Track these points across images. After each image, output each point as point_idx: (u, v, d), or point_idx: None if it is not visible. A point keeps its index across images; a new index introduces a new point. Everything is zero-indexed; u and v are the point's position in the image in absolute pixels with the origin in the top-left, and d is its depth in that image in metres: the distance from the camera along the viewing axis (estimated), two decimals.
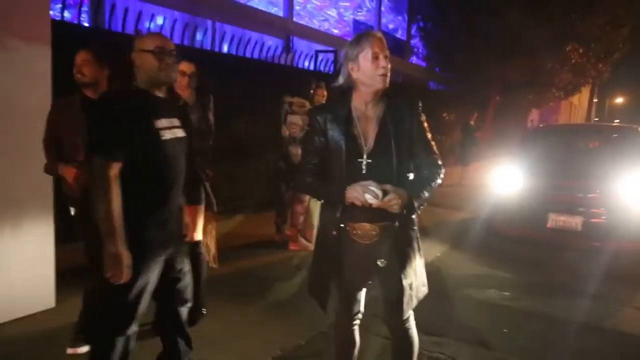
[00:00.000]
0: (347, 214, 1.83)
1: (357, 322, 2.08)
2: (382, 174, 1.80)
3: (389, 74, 1.83)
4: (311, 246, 4.87)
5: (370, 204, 1.73)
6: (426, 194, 1.86)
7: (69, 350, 2.57)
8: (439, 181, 1.90)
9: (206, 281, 3.05)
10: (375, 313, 2.13)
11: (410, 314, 1.98)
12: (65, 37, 3.23)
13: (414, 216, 1.90)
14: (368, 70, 1.81)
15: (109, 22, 4.99)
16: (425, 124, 1.92)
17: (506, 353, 2.88)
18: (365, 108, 1.89)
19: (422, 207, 1.85)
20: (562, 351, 2.97)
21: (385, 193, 1.73)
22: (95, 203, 1.76)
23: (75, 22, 4.74)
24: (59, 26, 3.51)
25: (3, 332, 2.80)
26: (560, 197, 4.72)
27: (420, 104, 1.92)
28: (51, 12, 4.46)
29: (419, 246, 1.96)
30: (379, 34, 1.87)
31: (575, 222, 4.57)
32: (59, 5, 4.53)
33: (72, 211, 2.55)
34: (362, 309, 2.06)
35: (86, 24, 6.25)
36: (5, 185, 2.79)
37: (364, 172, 1.82)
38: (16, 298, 2.86)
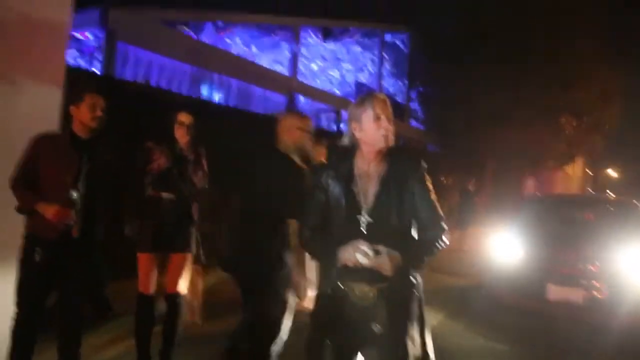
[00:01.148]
0: (345, 273, 1.79)
1: None
2: (382, 233, 1.78)
3: (390, 134, 1.86)
4: (311, 304, 4.69)
5: (361, 264, 1.72)
6: (424, 258, 1.83)
7: None
8: (442, 244, 1.86)
9: (181, 337, 2.89)
10: None
11: None
12: (77, 83, 3.29)
13: (416, 281, 1.85)
14: (370, 130, 1.85)
15: (119, 70, 5.12)
16: (429, 184, 1.90)
17: None
18: (367, 167, 1.89)
19: (418, 270, 1.81)
20: None
21: (377, 253, 1.71)
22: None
23: (89, 69, 4.87)
24: (72, 71, 3.59)
25: None
26: (562, 269, 4.65)
27: (424, 164, 1.92)
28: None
29: (421, 313, 1.88)
30: (383, 96, 1.91)
31: (576, 295, 4.47)
32: (74, 50, 4.67)
33: (37, 256, 2.35)
34: None
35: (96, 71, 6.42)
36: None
37: (363, 230, 1.81)
38: None
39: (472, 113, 12.62)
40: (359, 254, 1.71)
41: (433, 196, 1.88)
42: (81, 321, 2.53)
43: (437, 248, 1.84)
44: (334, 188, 1.88)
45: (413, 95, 16.92)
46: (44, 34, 2.93)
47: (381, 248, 1.73)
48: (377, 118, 1.84)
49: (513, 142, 12.87)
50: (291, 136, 2.60)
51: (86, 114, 2.44)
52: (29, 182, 2.42)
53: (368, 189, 1.85)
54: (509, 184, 15.21)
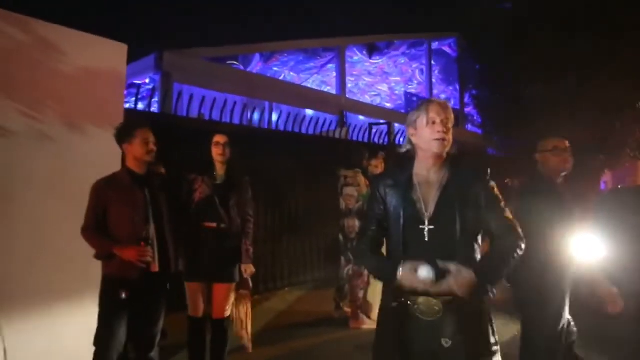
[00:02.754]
0: (407, 289, 1.67)
1: None
2: (445, 242, 1.68)
3: (447, 139, 1.76)
4: (373, 323, 4.56)
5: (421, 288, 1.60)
6: (501, 269, 1.68)
7: None
8: (520, 252, 1.69)
9: None
10: None
11: None
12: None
13: (492, 293, 1.70)
14: (424, 135, 1.77)
15: (175, 107, 5.37)
16: (497, 191, 1.77)
17: None
18: (427, 174, 1.80)
19: (494, 286, 1.67)
20: None
21: (441, 274, 1.58)
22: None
23: (145, 109, 5.15)
24: (130, 112, 3.80)
25: None
26: None
27: (488, 171, 1.79)
28: (128, 105, 4.94)
29: (492, 327, 1.73)
30: (439, 100, 1.83)
31: None
32: (134, 99, 4.97)
33: (124, 294, 2.38)
34: None
35: (154, 110, 6.80)
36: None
37: (426, 239, 1.71)
38: None
39: (532, 110, 11.94)
40: (421, 277, 1.59)
41: (502, 204, 1.76)
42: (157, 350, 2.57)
43: (514, 258, 1.68)
44: (392, 198, 1.81)
45: (467, 99, 16.41)
46: (103, 83, 3.13)
47: (452, 267, 1.59)
48: (432, 122, 1.76)
49: (583, 134, 11.97)
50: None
51: (140, 150, 2.50)
52: (101, 228, 2.46)
53: (429, 197, 1.76)
54: (583, 179, 14.13)
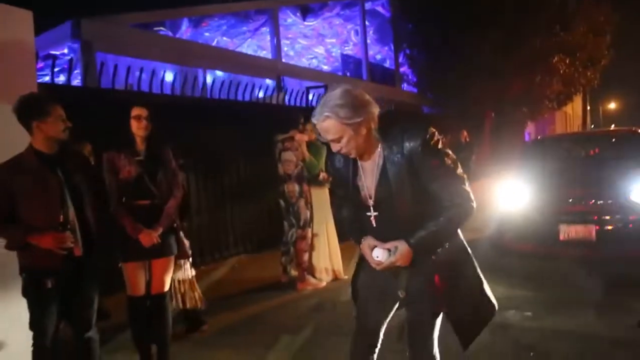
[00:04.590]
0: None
1: (374, 356, 1.97)
2: (390, 225, 1.73)
3: (349, 151, 1.70)
4: (320, 283, 4.73)
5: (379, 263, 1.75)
6: (443, 240, 1.71)
7: None
8: (466, 218, 1.69)
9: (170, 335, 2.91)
10: (394, 348, 2.02)
11: (436, 354, 1.86)
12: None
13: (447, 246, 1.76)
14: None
15: (99, 79, 5.06)
16: (438, 153, 1.65)
17: None
18: (362, 160, 1.78)
19: (433, 248, 1.72)
20: None
21: (390, 252, 1.71)
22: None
23: (66, 83, 4.80)
24: (46, 87, 3.54)
25: None
26: (571, 207, 4.60)
27: (426, 131, 1.65)
28: (47, 78, 4.57)
29: (463, 266, 1.80)
30: (319, 121, 1.65)
31: (588, 231, 4.43)
32: (51, 71, 4.59)
33: (49, 284, 2.27)
34: (378, 344, 1.97)
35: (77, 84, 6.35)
36: None
37: (374, 224, 1.79)
38: None
39: (463, 68, 12.40)
40: (373, 257, 1.75)
41: (445, 166, 1.65)
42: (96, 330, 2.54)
43: (466, 217, 1.69)
44: (341, 181, 1.87)
45: (402, 59, 16.63)
46: (9, 55, 2.86)
47: (389, 245, 1.72)
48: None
49: (508, 90, 12.69)
50: None
51: (56, 127, 2.30)
52: (8, 217, 2.27)
53: (371, 182, 1.76)
54: (509, 133, 15.04)
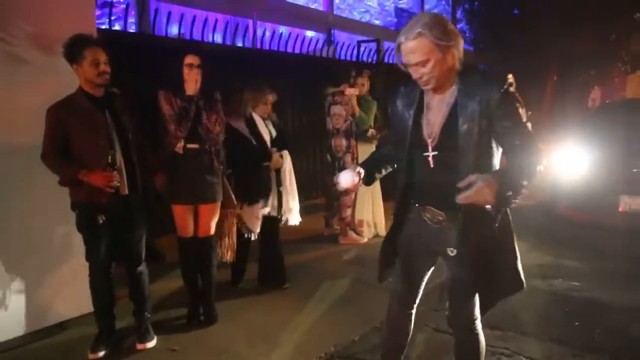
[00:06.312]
0: (418, 194, 1.77)
1: (412, 311, 1.97)
2: (450, 167, 1.62)
3: (427, 80, 1.62)
4: (362, 239, 4.76)
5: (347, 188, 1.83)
6: (523, 182, 1.51)
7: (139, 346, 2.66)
8: (540, 167, 1.57)
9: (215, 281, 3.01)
10: (435, 307, 2.00)
11: (476, 316, 1.82)
12: (112, 44, 3.31)
13: (501, 213, 1.66)
14: (410, 70, 1.66)
15: (152, 27, 5.11)
16: (515, 104, 1.60)
17: (581, 349, 2.63)
18: (436, 93, 1.70)
19: (518, 198, 1.51)
20: None
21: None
22: None
23: (122, 29, 4.89)
24: (104, 33, 3.61)
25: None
26: (635, 177, 4.31)
27: (507, 80, 1.63)
28: (104, 26, 4.67)
29: (509, 236, 1.71)
30: (408, 39, 1.60)
31: None
32: (113, 18, 4.68)
33: (101, 219, 2.43)
34: (417, 299, 1.96)
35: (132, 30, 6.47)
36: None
37: (431, 165, 1.69)
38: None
39: (527, 20, 11.50)
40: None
41: (521, 117, 1.60)
42: (146, 270, 2.71)
43: (535, 173, 1.55)
44: (400, 120, 1.78)
45: (459, 15, 15.71)
46: (70, 1, 2.91)
47: (472, 177, 1.48)
48: (406, 65, 1.63)
49: (576, 47, 11.68)
50: None
51: (90, 71, 2.34)
52: (62, 153, 2.39)
53: (436, 120, 1.68)
54: (575, 94, 14.03)
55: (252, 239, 3.42)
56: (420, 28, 1.57)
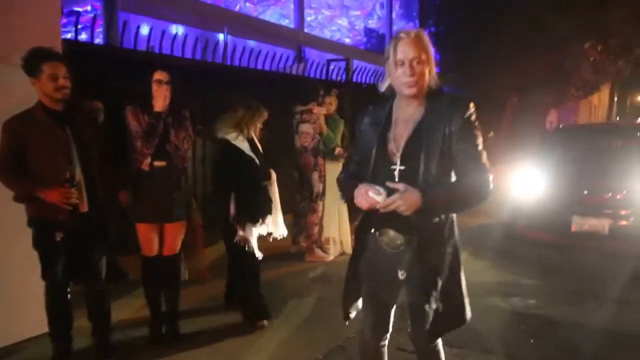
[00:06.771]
0: (377, 220, 1.77)
1: (385, 342, 1.98)
2: (415, 182, 1.65)
3: (415, 83, 1.66)
4: (328, 257, 4.79)
5: (374, 204, 1.65)
6: (457, 205, 1.67)
7: None
8: (484, 194, 1.66)
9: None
10: (397, 327, 2.05)
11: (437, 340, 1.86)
12: (78, 56, 3.25)
13: (453, 234, 1.75)
14: (395, 77, 1.70)
15: (121, 39, 5.05)
16: (475, 125, 1.69)
17: None
18: (404, 110, 1.75)
19: (439, 211, 1.66)
20: None
21: (392, 192, 1.61)
22: None
23: (88, 41, 4.80)
24: (70, 44, 3.55)
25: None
26: (585, 199, 4.54)
27: (470, 107, 1.69)
28: (70, 35, 4.57)
29: (457, 264, 1.78)
30: (409, 34, 1.67)
31: (602, 224, 4.38)
32: (79, 27, 4.59)
33: (58, 237, 2.37)
34: (390, 328, 1.96)
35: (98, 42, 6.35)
36: None
37: (396, 179, 1.70)
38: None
39: (489, 41, 12.03)
40: (372, 192, 1.62)
41: (478, 139, 1.68)
42: (106, 288, 2.65)
43: (481, 197, 1.66)
44: (368, 136, 1.80)
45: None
46: (35, 10, 2.86)
47: (400, 186, 1.61)
48: (400, 63, 1.66)
49: (534, 74, 12.30)
50: None
51: (47, 86, 2.29)
52: (18, 169, 2.32)
53: (402, 136, 1.72)
54: (531, 118, 14.70)
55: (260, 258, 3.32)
56: (418, 31, 1.70)
